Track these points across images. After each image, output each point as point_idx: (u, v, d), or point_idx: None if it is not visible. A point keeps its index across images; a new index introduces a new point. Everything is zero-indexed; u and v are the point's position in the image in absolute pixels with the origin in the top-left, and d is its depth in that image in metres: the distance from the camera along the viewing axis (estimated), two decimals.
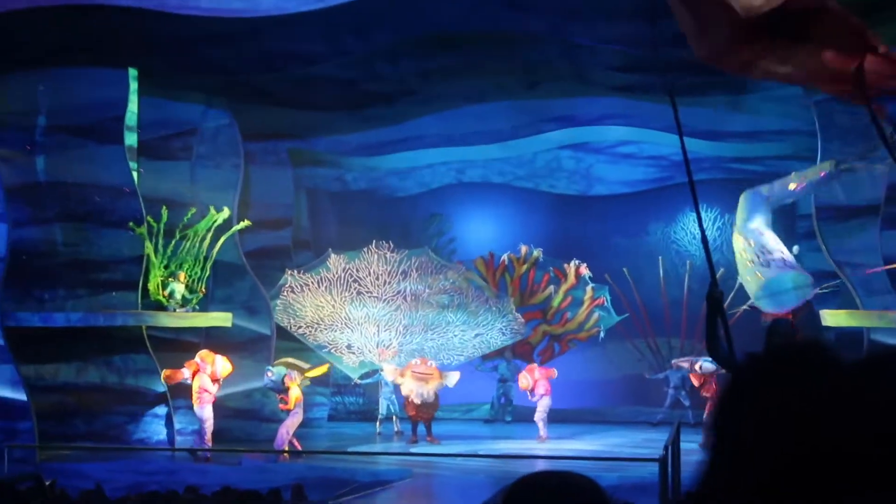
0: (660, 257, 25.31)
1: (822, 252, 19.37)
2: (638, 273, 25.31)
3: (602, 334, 23.71)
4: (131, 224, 18.47)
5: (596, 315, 23.82)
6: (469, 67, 19.42)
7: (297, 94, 20.55)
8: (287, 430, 18.36)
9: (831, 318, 18.35)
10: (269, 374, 18.88)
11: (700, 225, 6.99)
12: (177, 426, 18.81)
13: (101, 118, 18.56)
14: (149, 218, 18.76)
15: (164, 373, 18.15)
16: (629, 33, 15.88)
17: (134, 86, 18.79)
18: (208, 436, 17.82)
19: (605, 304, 23.93)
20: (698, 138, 21.99)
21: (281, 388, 18.84)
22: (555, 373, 21.21)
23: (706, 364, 20.19)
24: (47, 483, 11.55)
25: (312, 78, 19.40)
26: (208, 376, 17.82)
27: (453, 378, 20.14)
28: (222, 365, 18.17)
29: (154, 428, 18.98)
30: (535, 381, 20.66)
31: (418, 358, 20.85)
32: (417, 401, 19.80)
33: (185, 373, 17.97)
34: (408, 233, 25.42)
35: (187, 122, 20.40)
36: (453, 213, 26.47)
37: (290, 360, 19.62)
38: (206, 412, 17.73)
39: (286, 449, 18.08)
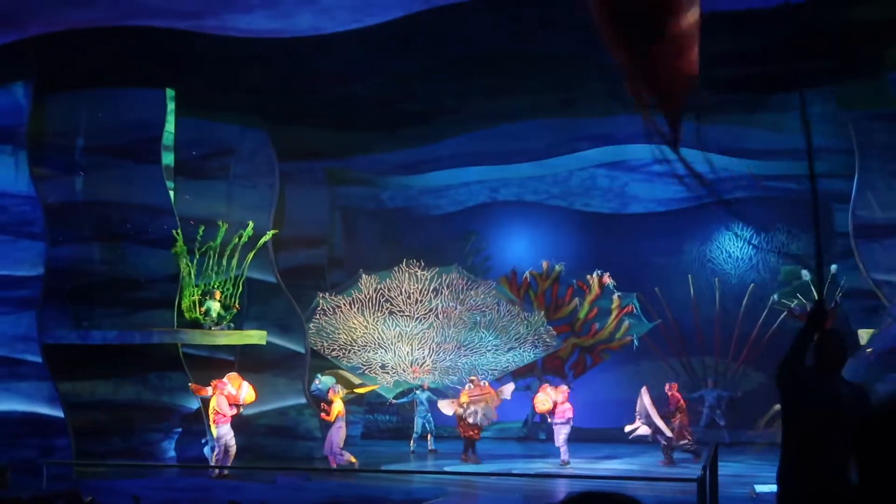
0: (689, 276, 25.19)
1: (858, 270, 19.18)
2: (671, 292, 25.18)
3: (636, 342, 23.54)
4: (176, 244, 18.54)
5: (626, 323, 23.71)
6: (504, 86, 19.41)
7: (333, 114, 20.62)
8: (337, 443, 18.56)
9: (868, 336, 18.15)
10: (318, 381, 19.21)
11: (817, 234, 6.92)
12: (211, 444, 18.83)
13: (138, 138, 18.68)
14: (180, 237, 18.83)
15: (191, 385, 18.20)
16: None
17: (171, 106, 18.92)
18: (223, 455, 17.71)
19: (635, 311, 23.80)
20: (734, 156, 21.88)
21: (325, 398, 19.14)
22: (567, 391, 20.65)
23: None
24: (87, 500, 11.59)
25: (349, 98, 19.46)
26: (225, 397, 17.76)
27: (509, 390, 20.30)
28: (247, 392, 18.16)
29: (188, 445, 19.03)
30: (555, 403, 19.96)
31: (469, 382, 20.86)
32: (485, 423, 20.06)
33: (210, 390, 18.00)
34: (443, 251, 25.41)
35: (224, 141, 20.53)
36: (488, 231, 26.48)
37: (343, 372, 19.80)
38: (221, 431, 17.69)
39: (336, 464, 18.34)
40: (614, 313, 23.77)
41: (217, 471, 17.41)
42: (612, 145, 23.11)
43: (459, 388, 22.28)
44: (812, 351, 6.62)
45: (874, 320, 19.40)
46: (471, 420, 19.84)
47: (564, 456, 19.54)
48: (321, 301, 22.09)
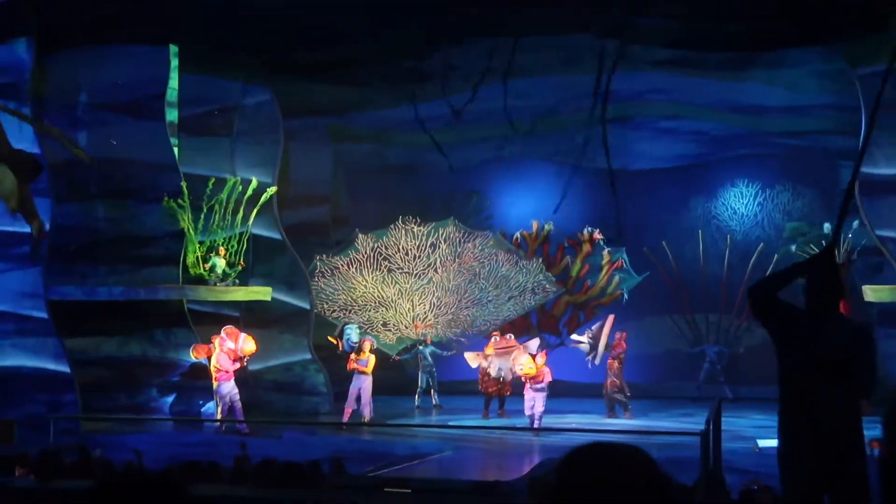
0: (700, 231, 25.12)
1: (864, 227, 19.10)
2: (678, 248, 25.16)
3: (626, 296, 23.48)
4: (166, 198, 18.54)
5: (616, 278, 23.66)
6: (510, 43, 19.25)
7: (337, 71, 20.49)
8: (370, 396, 18.92)
9: (873, 293, 18.11)
10: (349, 331, 19.95)
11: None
12: (208, 407, 18.91)
13: (142, 95, 18.60)
14: (185, 191, 18.82)
15: (192, 351, 18.25)
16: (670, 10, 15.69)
17: (175, 63, 18.81)
18: (228, 412, 17.72)
19: (624, 266, 23.72)
20: (741, 113, 21.73)
21: (354, 347, 19.52)
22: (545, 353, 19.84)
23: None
24: (95, 454, 11.65)
25: (353, 54, 19.32)
26: (226, 353, 17.77)
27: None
28: (245, 342, 18.09)
29: (194, 400, 19.13)
30: (539, 369, 18.21)
31: (494, 334, 20.90)
32: (497, 374, 19.89)
33: (209, 350, 18.02)
34: (447, 209, 25.35)
35: (228, 98, 20.41)
36: (492, 189, 26.39)
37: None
38: (224, 389, 17.70)
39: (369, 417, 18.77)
40: (605, 269, 23.73)
41: (223, 426, 17.49)
42: (617, 102, 22.94)
43: (462, 340, 22.35)
44: (804, 291, 6.13)
45: (878, 277, 19.36)
46: (493, 374, 19.84)
47: (538, 423, 18.22)
48: (318, 264, 22.07)
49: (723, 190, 25.54)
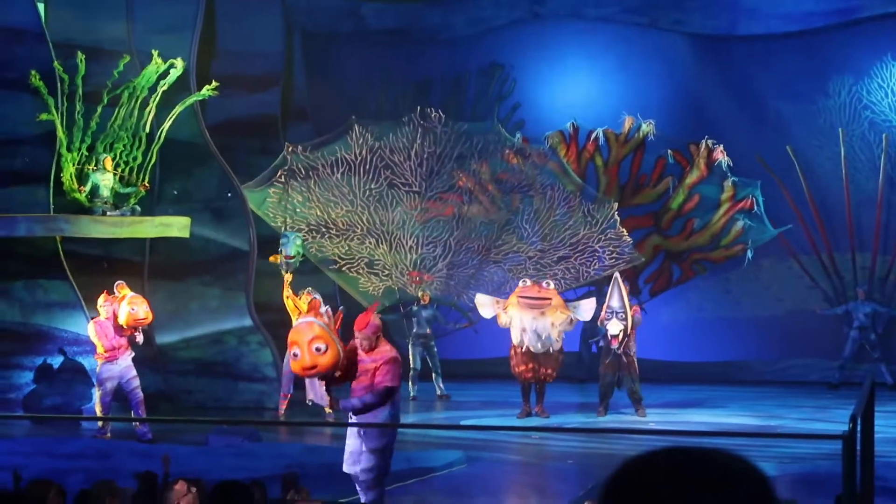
0: (840, 130, 24.92)
1: None
2: (809, 155, 24.98)
3: (750, 254, 23.41)
4: (33, 76, 18.39)
5: (740, 225, 23.51)
6: None
7: None
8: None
9: None
10: (298, 241, 20.09)
11: None
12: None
13: None
14: (59, 68, 18.70)
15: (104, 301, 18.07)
16: None
17: None
18: (110, 407, 17.65)
19: (756, 208, 23.54)
20: None
21: (289, 266, 19.78)
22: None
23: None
24: None
25: None
26: (109, 320, 17.52)
27: (588, 307, 19.65)
28: (129, 303, 17.68)
29: (78, 389, 19.14)
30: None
31: (526, 279, 20.24)
32: (534, 346, 19.32)
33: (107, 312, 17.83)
34: (455, 96, 25.22)
35: None
36: (522, 65, 26.18)
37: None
38: (106, 372, 17.55)
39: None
40: (724, 207, 23.54)
41: (105, 427, 17.48)
42: None
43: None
44: None
45: None
46: (514, 338, 19.41)
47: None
48: (289, 157, 21.89)
49: (880, 65, 25.28)
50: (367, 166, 22.39)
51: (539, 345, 19.12)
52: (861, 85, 25.25)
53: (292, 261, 19.87)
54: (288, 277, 19.58)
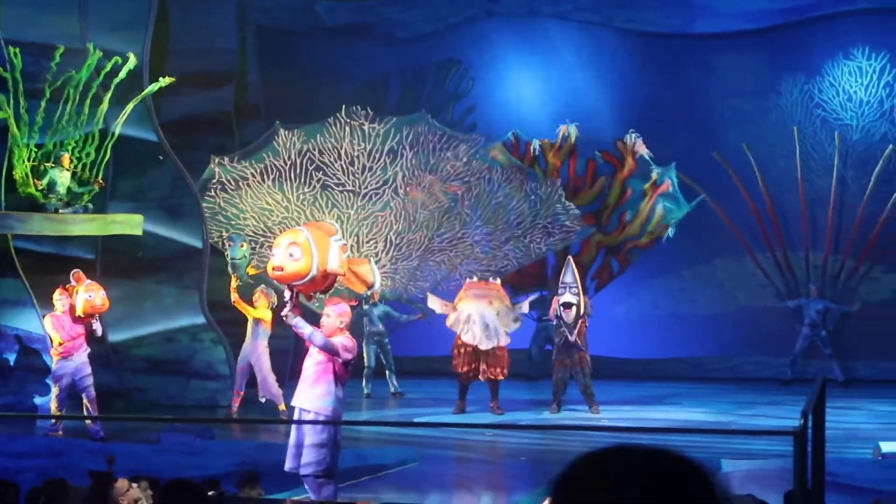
0: (795, 128, 25.06)
1: None
2: (763, 153, 25.13)
3: (671, 232, 23.44)
4: None
5: (660, 208, 23.63)
6: None
7: None
8: (268, 370, 19.26)
9: None
10: (243, 245, 20.27)
11: None
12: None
13: None
14: (15, 65, 18.69)
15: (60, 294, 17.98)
16: None
17: None
18: (65, 403, 17.59)
19: (671, 189, 23.58)
20: None
21: (243, 273, 20.00)
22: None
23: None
24: None
25: None
26: (66, 313, 17.44)
27: (528, 301, 20.02)
28: (84, 295, 17.58)
29: (27, 388, 19.10)
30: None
31: (473, 276, 20.62)
32: (479, 339, 19.40)
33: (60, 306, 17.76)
34: (412, 96, 25.25)
35: None
36: (479, 64, 26.23)
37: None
38: (59, 370, 17.44)
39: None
40: (648, 195, 23.66)
41: (57, 425, 17.45)
42: None
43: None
44: None
45: None
46: (465, 335, 19.48)
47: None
48: (217, 169, 21.88)
49: (832, 63, 25.43)
50: (298, 170, 22.39)
51: (485, 336, 19.22)
52: (813, 83, 25.42)
53: (238, 261, 19.90)
54: (234, 282, 19.69)
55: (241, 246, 20.22)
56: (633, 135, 23.57)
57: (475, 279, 20.04)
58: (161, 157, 20.44)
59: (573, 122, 23.76)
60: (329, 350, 12.02)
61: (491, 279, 20.24)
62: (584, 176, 24.16)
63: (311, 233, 12.33)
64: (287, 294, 12.35)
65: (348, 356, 12.25)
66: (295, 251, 11.99)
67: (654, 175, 23.52)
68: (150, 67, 20.49)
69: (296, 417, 12.77)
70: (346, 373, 12.47)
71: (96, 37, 20.06)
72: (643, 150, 23.49)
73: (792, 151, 25.05)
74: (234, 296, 19.60)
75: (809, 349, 23.52)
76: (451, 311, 19.48)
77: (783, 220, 25.15)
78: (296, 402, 12.51)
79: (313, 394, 12.31)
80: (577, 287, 19.28)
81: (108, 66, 19.70)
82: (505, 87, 26.13)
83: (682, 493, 2.35)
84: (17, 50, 19.14)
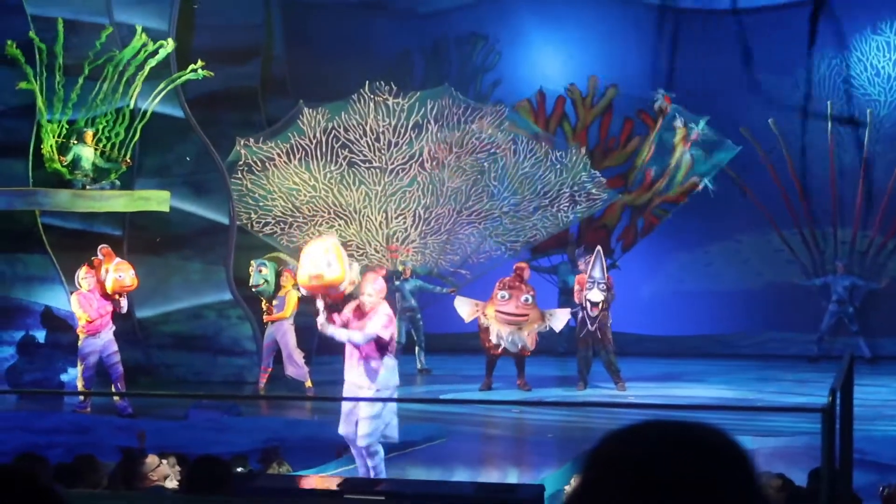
0: (829, 102, 24.96)
1: None
2: (791, 129, 25.02)
3: (709, 184, 23.28)
4: (10, 45, 18.42)
5: (688, 157, 23.54)
6: None
7: None
8: (294, 349, 19.45)
9: None
10: (262, 269, 19.67)
11: None
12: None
13: None
14: (35, 38, 18.70)
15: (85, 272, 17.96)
16: None
17: None
18: (93, 380, 17.58)
19: (699, 138, 23.35)
20: None
21: (271, 293, 19.69)
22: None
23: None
24: None
25: None
26: (95, 290, 17.38)
27: (562, 318, 19.76)
28: (115, 270, 17.57)
29: (54, 364, 19.16)
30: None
31: (503, 282, 20.04)
32: (512, 348, 19.54)
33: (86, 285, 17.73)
34: (437, 68, 25.21)
35: None
36: (503, 38, 26.20)
37: (282, 256, 19.91)
38: (86, 347, 17.47)
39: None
40: (677, 148, 23.49)
41: (86, 402, 17.49)
42: None
43: (463, 272, 22.34)
44: None
45: None
46: (493, 339, 19.58)
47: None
48: (242, 151, 21.89)
49: (860, 38, 25.32)
50: (324, 148, 22.42)
51: (513, 349, 19.38)
52: (841, 58, 25.30)
53: (261, 289, 19.89)
54: (264, 304, 19.81)
55: (261, 270, 20.03)
56: (661, 91, 23.51)
57: (507, 296, 19.49)
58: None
59: (610, 82, 23.83)
60: (373, 340, 12.03)
61: (522, 299, 19.40)
62: (617, 136, 24.11)
63: (334, 241, 12.33)
64: (320, 304, 12.26)
65: (392, 329, 12.26)
66: (331, 259, 11.91)
67: (682, 128, 23.33)
68: (177, 44, 20.46)
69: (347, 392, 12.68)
70: (391, 341, 12.41)
71: (122, 12, 20.08)
72: (669, 104, 23.33)
73: (819, 127, 24.94)
74: (265, 317, 19.78)
75: (836, 326, 23.45)
76: (482, 315, 19.43)
77: (810, 197, 25.06)
78: (348, 377, 12.44)
79: (362, 370, 12.30)
80: (605, 283, 19.20)
81: (152, 47, 19.71)
82: (531, 62, 26.08)
83: (717, 468, 2.32)
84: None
